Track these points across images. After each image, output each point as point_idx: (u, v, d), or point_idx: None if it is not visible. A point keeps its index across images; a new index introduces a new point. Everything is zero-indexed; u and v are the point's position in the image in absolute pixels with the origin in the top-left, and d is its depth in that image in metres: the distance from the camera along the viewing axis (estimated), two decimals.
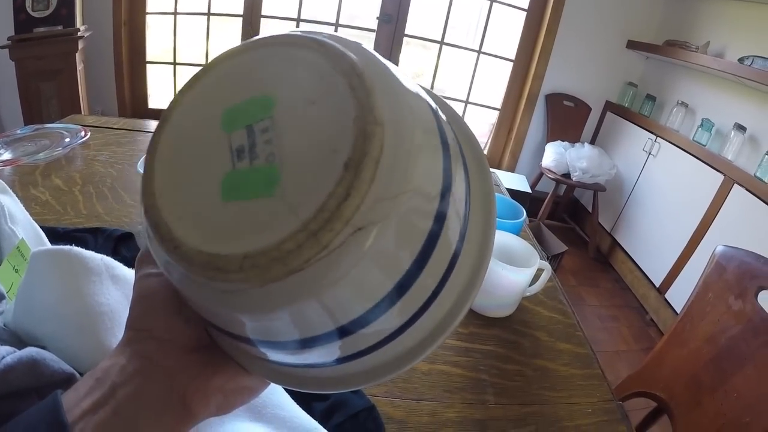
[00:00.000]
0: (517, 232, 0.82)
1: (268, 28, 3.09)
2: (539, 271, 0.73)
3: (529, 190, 2.90)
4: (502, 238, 0.75)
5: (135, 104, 3.07)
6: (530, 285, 0.73)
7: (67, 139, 0.91)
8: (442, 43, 3.12)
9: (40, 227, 0.46)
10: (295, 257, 0.18)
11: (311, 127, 0.20)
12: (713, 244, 2.17)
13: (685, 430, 0.92)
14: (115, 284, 0.42)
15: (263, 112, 0.21)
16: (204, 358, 0.27)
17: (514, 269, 0.67)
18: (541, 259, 0.72)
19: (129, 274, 0.44)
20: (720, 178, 2.23)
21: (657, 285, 2.54)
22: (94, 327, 0.38)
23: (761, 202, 2.00)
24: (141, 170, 0.65)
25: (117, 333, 0.38)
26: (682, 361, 0.98)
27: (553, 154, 2.93)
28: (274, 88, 0.22)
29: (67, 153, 0.89)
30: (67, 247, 0.40)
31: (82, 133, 0.94)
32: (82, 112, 2.54)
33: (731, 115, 2.32)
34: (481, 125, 3.56)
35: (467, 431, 0.54)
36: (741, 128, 2.22)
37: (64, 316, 0.38)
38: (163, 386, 0.25)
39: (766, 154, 2.03)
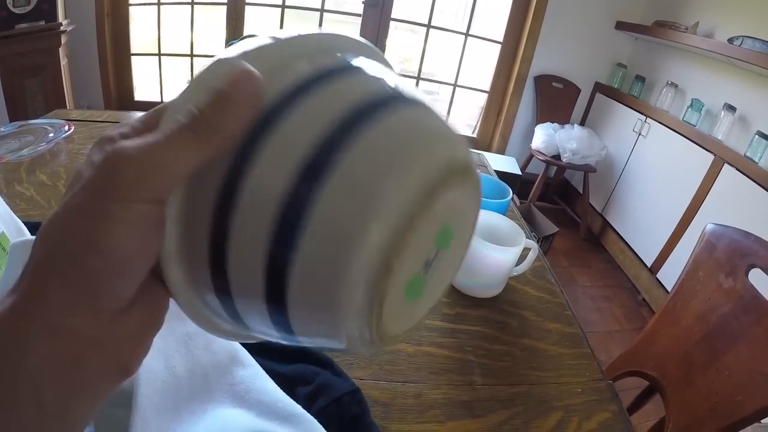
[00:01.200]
0: (504, 211, 0.81)
1: (252, 16, 3.05)
2: (526, 251, 0.72)
3: (519, 172, 2.89)
4: (488, 217, 0.73)
5: (121, 97, 3.02)
6: (517, 265, 0.72)
7: (51, 134, 0.90)
8: (429, 26, 3.08)
9: (25, 223, 0.45)
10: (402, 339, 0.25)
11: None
12: (704, 223, 2.14)
13: (677, 408, 0.91)
14: None
15: (447, 240, 0.25)
16: (136, 318, 0.23)
17: (499, 248, 0.65)
18: (527, 238, 0.70)
19: None
20: (710, 157, 2.23)
21: (648, 265, 2.55)
22: None
23: (751, 181, 2.00)
24: None
25: None
26: (673, 340, 0.98)
27: (543, 136, 2.93)
28: (458, 224, 0.25)
29: (51, 148, 0.88)
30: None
31: (66, 128, 0.94)
32: (68, 107, 2.50)
33: (721, 96, 2.31)
34: (470, 108, 3.54)
35: (454, 413, 0.52)
36: (731, 108, 2.22)
37: None
38: (105, 365, 0.22)
39: (755, 134, 2.02)
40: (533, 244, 0.72)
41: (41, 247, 0.21)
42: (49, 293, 0.20)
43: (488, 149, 3.40)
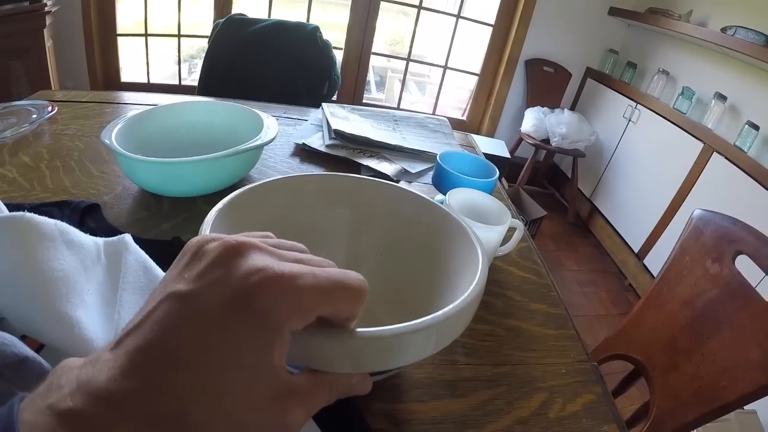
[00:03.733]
0: (490, 191, 0.79)
1: None
2: (512, 231, 0.70)
3: (508, 156, 2.87)
4: (473, 196, 0.71)
5: (107, 79, 2.95)
6: (502, 245, 0.70)
7: (35, 116, 0.89)
8: (420, 7, 3.03)
9: (6, 205, 0.44)
10: None
11: None
12: (692, 211, 2.19)
13: (662, 392, 0.90)
14: (69, 249, 0.41)
15: None
16: None
17: (484, 226, 0.63)
18: (513, 218, 0.68)
19: (84, 239, 0.43)
20: (699, 146, 2.23)
21: (636, 251, 2.57)
22: (48, 293, 0.36)
23: (740, 170, 2.01)
24: (105, 140, 0.65)
25: (72, 299, 0.37)
26: (659, 324, 0.97)
27: (533, 120, 2.92)
28: None
29: (34, 129, 0.86)
30: (19, 213, 0.39)
31: (49, 108, 0.92)
32: (53, 89, 2.41)
33: (712, 84, 2.31)
34: (460, 91, 3.52)
35: (437, 392, 0.51)
36: (722, 97, 2.22)
37: (18, 283, 0.36)
38: None
39: (745, 123, 2.03)
40: (519, 224, 0.70)
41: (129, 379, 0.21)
42: None
43: (477, 132, 3.38)
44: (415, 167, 0.96)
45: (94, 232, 0.46)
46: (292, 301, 0.23)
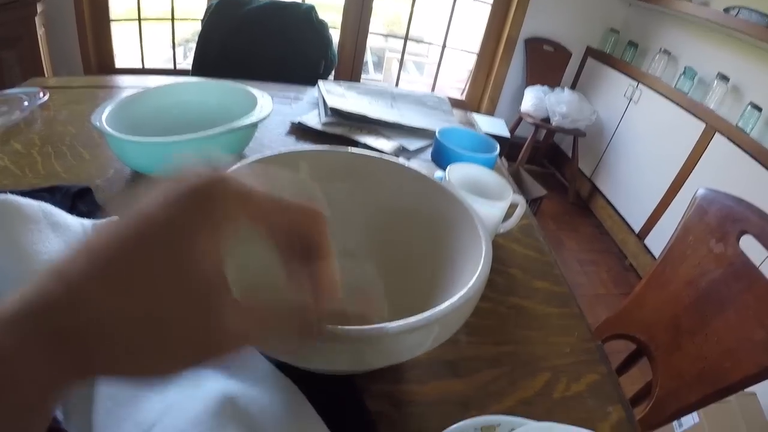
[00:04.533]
0: (491, 167, 0.76)
1: None
2: (513, 209, 0.68)
3: (508, 135, 2.84)
4: (474, 171, 0.68)
5: (101, 65, 2.89)
6: (504, 221, 0.68)
7: (26, 103, 0.88)
8: None
9: None
10: None
11: None
12: (693, 191, 2.15)
13: (665, 373, 0.89)
14: (54, 232, 0.40)
15: None
16: None
17: (486, 202, 0.61)
18: (514, 193, 0.66)
19: (69, 220, 0.43)
20: (701, 126, 2.21)
21: (636, 231, 2.57)
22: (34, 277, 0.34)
23: (742, 151, 1.99)
24: (95, 122, 0.65)
25: None
26: (662, 304, 0.96)
27: (533, 99, 2.89)
28: None
29: (26, 116, 0.85)
30: (2, 195, 0.38)
31: (41, 95, 0.91)
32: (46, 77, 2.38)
33: (714, 65, 2.28)
34: (459, 71, 3.47)
35: (438, 372, 0.49)
36: (724, 78, 2.19)
37: (2, 267, 0.36)
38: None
39: (748, 104, 2.01)
40: (520, 200, 0.68)
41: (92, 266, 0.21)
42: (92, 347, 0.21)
43: (477, 111, 3.34)
44: (413, 144, 0.94)
45: (85, 216, 0.45)
46: (243, 197, 0.25)
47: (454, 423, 0.40)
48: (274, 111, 0.73)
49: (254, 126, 0.74)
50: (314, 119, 0.99)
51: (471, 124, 1.17)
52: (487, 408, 0.46)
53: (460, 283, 0.38)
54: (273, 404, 0.38)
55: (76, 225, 0.43)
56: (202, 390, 0.37)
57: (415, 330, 0.31)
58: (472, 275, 0.37)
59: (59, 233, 0.40)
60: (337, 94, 1.06)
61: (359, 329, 0.29)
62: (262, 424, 0.36)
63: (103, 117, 0.67)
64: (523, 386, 0.50)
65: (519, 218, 0.68)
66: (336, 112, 0.97)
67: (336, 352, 0.31)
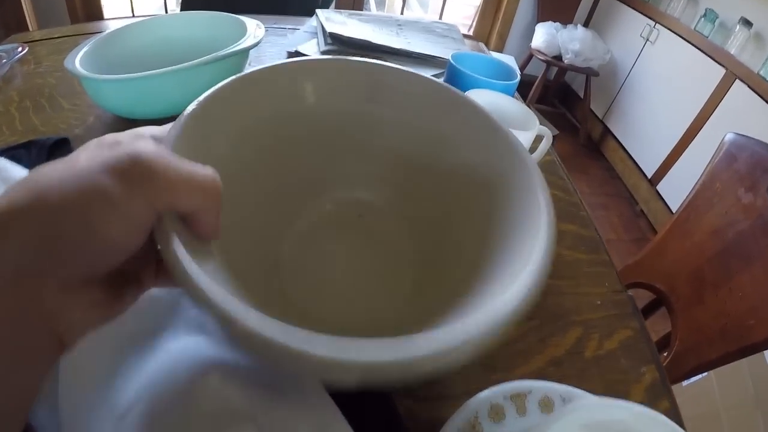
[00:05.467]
0: (511, 95, 0.68)
1: None
2: (536, 142, 0.60)
3: (518, 72, 2.71)
4: (494, 98, 0.60)
5: (89, 16, 2.68)
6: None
7: (4, 60, 0.81)
8: None
9: None
10: None
11: None
12: (710, 139, 2.14)
13: (685, 326, 0.84)
14: (5, 185, 0.38)
15: None
16: (96, 296, 0.24)
17: (511, 131, 0.53)
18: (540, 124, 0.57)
19: (24, 174, 0.40)
20: (721, 71, 2.11)
21: (649, 176, 2.50)
22: None
23: (763, 101, 1.90)
24: (68, 65, 0.59)
25: None
26: (684, 254, 0.90)
27: (544, 35, 2.76)
28: None
29: (5, 73, 0.80)
30: None
31: (19, 49, 0.84)
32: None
33: (737, 9, 2.15)
34: (466, 7, 3.31)
35: None
36: (747, 23, 2.07)
37: None
38: (40, 332, 0.22)
39: None
40: (547, 131, 0.59)
41: (20, 191, 0.21)
42: (5, 243, 0.20)
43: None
44: (422, 73, 0.85)
45: None
46: (153, 177, 0.23)
47: (480, 390, 0.33)
48: (270, 43, 0.66)
49: (244, 55, 0.67)
50: (312, 48, 0.90)
51: (482, 51, 1.08)
52: (513, 370, 0.40)
53: (498, 274, 0.28)
54: (266, 376, 0.32)
55: None
56: (185, 365, 0.32)
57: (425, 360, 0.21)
58: (516, 273, 0.26)
59: None
60: (337, 22, 0.96)
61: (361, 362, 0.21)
62: (256, 398, 0.30)
63: (77, 59, 0.60)
64: (554, 344, 0.43)
65: (544, 153, 0.60)
66: (336, 39, 0.88)
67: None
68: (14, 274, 0.20)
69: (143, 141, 0.25)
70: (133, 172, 0.22)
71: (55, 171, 0.22)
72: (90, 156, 0.23)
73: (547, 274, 0.26)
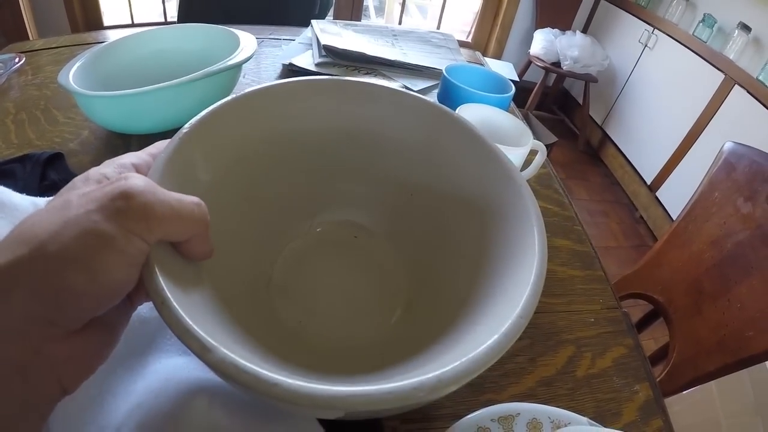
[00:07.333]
0: (505, 108, 0.68)
1: None
2: (531, 156, 0.59)
3: (517, 79, 2.73)
4: (487, 112, 0.60)
5: (89, 25, 2.70)
6: (521, 171, 0.60)
7: (2, 71, 0.81)
8: None
9: None
10: None
11: None
12: (709, 145, 2.14)
13: (683, 338, 0.84)
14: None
15: None
16: (88, 340, 0.24)
17: (503, 148, 0.53)
18: (534, 139, 0.57)
19: (16, 199, 0.40)
20: (720, 77, 2.11)
21: (648, 182, 2.50)
22: None
23: (762, 106, 1.90)
24: (61, 80, 0.58)
25: None
26: (682, 264, 0.89)
27: (543, 42, 2.77)
28: None
29: (2, 84, 0.79)
30: None
31: (17, 60, 0.84)
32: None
33: (735, 14, 2.15)
34: (465, 13, 3.32)
35: None
36: (746, 28, 2.07)
37: None
38: (46, 381, 0.22)
39: None
40: (541, 146, 0.59)
41: (18, 244, 0.21)
42: (13, 296, 0.20)
43: (483, 55, 3.19)
44: (417, 85, 0.85)
45: (56, 185, 0.44)
46: (146, 213, 0.24)
47: (469, 411, 0.33)
48: (264, 54, 0.65)
49: (237, 69, 0.66)
50: (307, 60, 0.89)
51: (480, 63, 1.07)
52: (504, 390, 0.39)
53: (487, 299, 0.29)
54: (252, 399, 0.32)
55: (26, 205, 0.39)
56: (174, 386, 0.32)
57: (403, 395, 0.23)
58: (510, 298, 0.28)
59: (4, 213, 0.38)
60: (332, 33, 0.96)
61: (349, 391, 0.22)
62: (242, 421, 0.31)
63: (71, 73, 0.60)
64: (544, 363, 0.43)
65: (539, 167, 0.60)
66: (330, 51, 0.88)
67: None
68: (22, 325, 0.20)
69: (131, 176, 0.25)
70: (128, 212, 0.23)
71: (50, 219, 0.22)
72: (80, 195, 0.23)
73: (531, 314, 0.27)
